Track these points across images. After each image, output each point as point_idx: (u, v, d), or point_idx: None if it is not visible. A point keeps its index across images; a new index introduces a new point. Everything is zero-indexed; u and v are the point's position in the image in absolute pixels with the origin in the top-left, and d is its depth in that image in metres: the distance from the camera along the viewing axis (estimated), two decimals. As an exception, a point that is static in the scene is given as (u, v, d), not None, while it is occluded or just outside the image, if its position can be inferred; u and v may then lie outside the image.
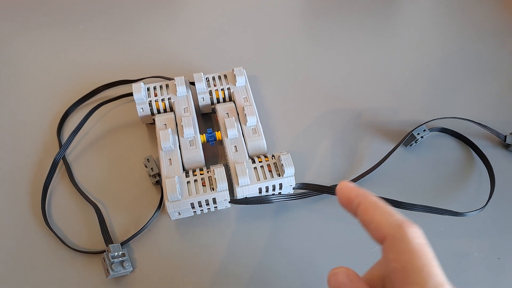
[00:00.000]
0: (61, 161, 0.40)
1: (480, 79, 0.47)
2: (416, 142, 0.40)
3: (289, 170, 0.34)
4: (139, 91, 0.38)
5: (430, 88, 0.46)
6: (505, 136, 0.41)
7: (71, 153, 0.40)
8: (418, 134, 0.40)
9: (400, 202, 0.35)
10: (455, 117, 0.42)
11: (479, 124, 0.41)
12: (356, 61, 0.49)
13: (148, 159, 0.38)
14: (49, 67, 0.48)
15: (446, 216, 0.36)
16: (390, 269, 0.19)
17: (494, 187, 0.37)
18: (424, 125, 0.40)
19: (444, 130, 0.42)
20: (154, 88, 0.40)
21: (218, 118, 0.39)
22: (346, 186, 0.21)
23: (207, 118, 0.43)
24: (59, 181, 0.39)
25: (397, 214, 0.20)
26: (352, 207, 0.21)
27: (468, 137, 0.41)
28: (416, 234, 0.19)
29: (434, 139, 0.42)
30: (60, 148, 0.40)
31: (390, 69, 0.48)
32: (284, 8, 0.55)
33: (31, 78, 0.47)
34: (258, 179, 0.34)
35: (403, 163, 0.40)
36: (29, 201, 0.37)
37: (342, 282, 0.21)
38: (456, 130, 0.41)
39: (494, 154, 0.40)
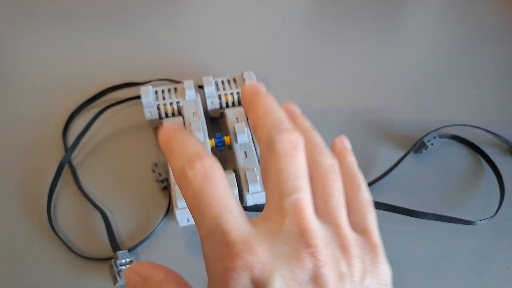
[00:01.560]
0: (67, 165, 0.39)
1: (491, 85, 0.47)
2: (425, 149, 0.40)
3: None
4: (147, 94, 0.38)
5: (440, 94, 0.46)
6: (514, 144, 0.41)
7: (77, 157, 0.40)
8: (428, 141, 0.39)
9: (412, 210, 0.35)
10: (465, 124, 0.42)
11: (489, 131, 0.41)
12: (366, 66, 0.48)
13: (156, 164, 0.38)
14: (54, 68, 0.47)
15: (456, 224, 0.36)
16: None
17: (503, 195, 0.37)
18: (434, 132, 0.40)
19: (453, 137, 0.42)
20: (162, 91, 0.40)
21: (228, 123, 0.38)
22: (162, 134, 0.19)
23: (214, 122, 0.43)
24: (65, 185, 0.38)
25: (189, 152, 0.17)
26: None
27: (478, 145, 0.41)
28: (197, 170, 0.16)
29: (443, 146, 0.42)
30: (65, 152, 0.39)
31: (399, 74, 0.48)
32: (292, 11, 0.55)
33: (36, 80, 0.46)
34: (269, 186, 0.34)
35: (413, 170, 0.40)
36: (34, 206, 0.37)
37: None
38: (465, 138, 0.41)
39: (503, 162, 0.40)
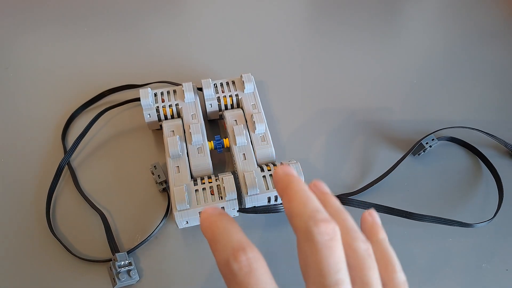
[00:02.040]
0: (66, 167, 0.39)
1: (490, 87, 0.47)
2: (424, 152, 0.40)
3: (299, 180, 0.34)
4: (146, 96, 0.38)
5: (438, 96, 0.46)
6: (513, 146, 0.41)
7: (76, 159, 0.40)
8: (427, 143, 0.40)
9: (410, 212, 0.35)
10: (464, 127, 0.42)
11: (488, 134, 0.41)
12: (364, 69, 0.49)
13: (155, 166, 0.38)
14: (54, 70, 0.47)
15: (455, 227, 0.36)
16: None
17: (502, 198, 0.37)
18: (432, 134, 0.40)
19: (452, 140, 0.42)
20: (162, 93, 0.40)
21: (226, 125, 0.39)
22: (204, 215, 0.21)
23: (213, 124, 0.43)
24: (64, 187, 0.38)
25: (232, 242, 0.19)
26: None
27: (477, 147, 0.41)
28: (242, 263, 0.18)
29: (442, 149, 0.42)
30: (65, 154, 0.39)
31: (398, 77, 0.48)
32: (291, 13, 0.55)
33: (35, 82, 0.46)
34: (267, 188, 0.34)
35: (411, 172, 0.40)
36: (33, 208, 0.37)
37: None
38: (464, 140, 0.41)
39: (502, 164, 0.40)
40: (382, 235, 0.24)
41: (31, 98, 0.44)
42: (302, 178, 0.34)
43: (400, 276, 0.22)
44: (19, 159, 0.40)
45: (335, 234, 0.19)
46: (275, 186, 0.22)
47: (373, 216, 0.25)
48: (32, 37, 0.50)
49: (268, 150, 0.36)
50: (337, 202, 0.23)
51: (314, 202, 0.20)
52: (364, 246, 0.20)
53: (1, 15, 0.53)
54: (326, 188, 0.24)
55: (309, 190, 0.21)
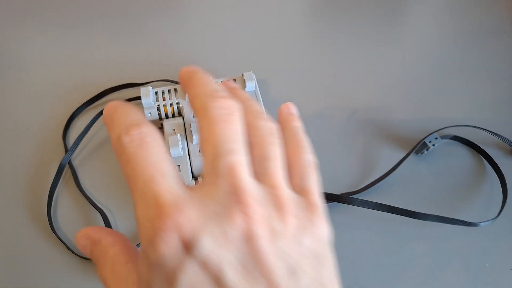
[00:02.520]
0: (67, 166, 0.39)
1: (494, 85, 0.47)
2: (427, 150, 0.40)
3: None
4: (147, 95, 0.38)
5: (442, 94, 0.46)
6: (517, 145, 0.40)
7: (77, 158, 0.40)
8: (430, 142, 0.39)
9: (413, 212, 0.34)
10: (467, 125, 0.41)
11: (492, 132, 0.41)
12: (367, 66, 0.48)
13: (156, 165, 0.37)
14: (54, 69, 0.47)
15: (458, 226, 0.36)
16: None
17: (506, 197, 0.37)
18: (436, 133, 0.40)
19: (456, 138, 0.41)
20: (162, 92, 0.40)
21: (228, 123, 0.38)
22: (107, 106, 0.19)
23: (215, 123, 0.43)
24: (65, 186, 0.38)
25: (127, 120, 0.17)
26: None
27: (480, 146, 0.40)
28: (134, 137, 0.16)
29: (445, 147, 0.41)
30: (66, 152, 0.39)
31: (401, 75, 0.48)
32: (292, 11, 0.54)
33: (36, 80, 0.46)
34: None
35: (414, 171, 0.40)
36: (34, 207, 0.37)
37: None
38: (468, 138, 0.41)
39: (506, 163, 0.40)
40: (296, 123, 0.23)
41: (33, 97, 0.44)
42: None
43: (308, 156, 0.20)
44: (20, 158, 0.40)
45: (233, 110, 0.18)
46: (181, 85, 0.21)
47: (289, 107, 0.24)
48: (33, 36, 0.50)
49: (269, 149, 0.36)
50: (246, 94, 0.22)
51: (215, 85, 0.19)
52: (267, 125, 0.19)
53: (3, 13, 0.52)
54: (236, 86, 0.23)
55: (212, 79, 0.20)
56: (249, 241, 0.14)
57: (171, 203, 0.14)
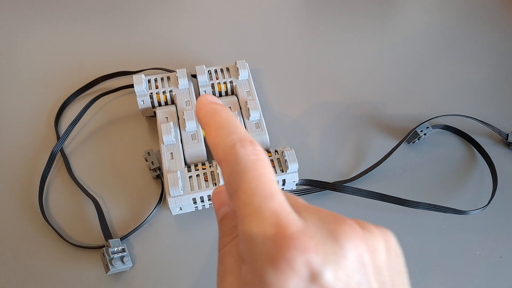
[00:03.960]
0: (59, 154, 0.39)
1: (483, 76, 0.47)
2: (418, 139, 0.40)
3: (293, 166, 0.34)
4: (140, 83, 0.38)
5: (433, 84, 0.46)
6: (507, 134, 0.41)
7: (69, 145, 0.40)
8: (421, 131, 0.39)
9: (404, 200, 0.35)
10: (458, 115, 0.41)
11: (482, 122, 0.41)
12: (359, 57, 0.48)
13: (148, 153, 0.37)
14: (47, 57, 0.46)
15: (449, 214, 0.36)
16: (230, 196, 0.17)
17: (496, 186, 0.37)
18: (427, 122, 0.40)
19: (446, 128, 0.42)
20: (155, 80, 0.39)
21: (221, 112, 0.38)
22: (200, 102, 0.18)
23: (208, 112, 0.43)
24: (57, 174, 0.38)
25: (237, 133, 0.17)
26: (202, 126, 0.19)
27: (471, 135, 0.41)
28: (249, 151, 0.16)
29: (436, 137, 0.42)
30: (58, 140, 0.39)
31: (393, 65, 0.48)
32: (287, 3, 0.54)
33: (28, 68, 0.45)
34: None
35: (406, 160, 0.40)
36: (26, 195, 0.36)
37: (224, 201, 0.20)
38: (458, 128, 0.41)
39: (496, 152, 0.40)
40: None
41: (24, 85, 0.44)
42: (296, 166, 0.34)
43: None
44: (12, 146, 0.39)
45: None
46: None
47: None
48: (25, 24, 0.50)
49: (262, 137, 0.36)
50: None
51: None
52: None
53: (-7, 1, 0.52)
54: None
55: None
56: (361, 270, 0.15)
57: (299, 229, 0.15)
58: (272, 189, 0.16)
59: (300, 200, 0.17)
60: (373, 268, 0.16)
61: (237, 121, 0.18)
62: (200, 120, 0.18)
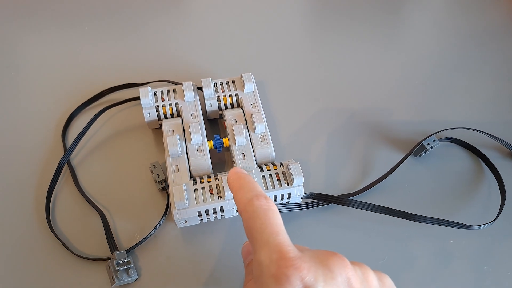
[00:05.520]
0: (66, 165, 0.39)
1: (491, 88, 0.47)
2: (425, 152, 0.40)
3: (298, 180, 0.34)
4: (146, 95, 0.38)
5: (440, 97, 0.46)
6: (516, 148, 0.40)
7: (76, 157, 0.40)
8: (428, 144, 0.39)
9: (411, 214, 0.34)
10: (465, 128, 0.41)
11: (489, 135, 0.41)
12: (365, 69, 0.48)
13: (154, 165, 0.37)
14: (54, 69, 0.47)
15: (456, 229, 0.36)
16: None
17: (504, 200, 0.37)
18: (434, 135, 0.40)
19: (454, 141, 0.41)
20: (161, 92, 0.40)
21: (226, 124, 0.38)
22: (230, 172, 0.26)
23: (213, 124, 0.43)
24: (64, 185, 0.38)
25: (255, 191, 0.23)
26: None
27: (478, 148, 0.40)
28: (262, 203, 0.22)
29: (443, 150, 0.41)
30: (64, 152, 0.39)
31: (399, 77, 0.48)
32: (292, 13, 0.54)
33: (36, 80, 0.46)
34: (267, 188, 0.34)
35: (412, 173, 0.40)
36: (33, 206, 0.37)
37: (250, 251, 0.26)
38: (466, 141, 0.41)
39: (504, 165, 0.40)
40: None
41: (32, 97, 0.44)
42: (302, 179, 0.34)
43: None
44: (20, 157, 0.40)
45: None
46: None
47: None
48: (33, 36, 0.50)
49: (267, 150, 0.36)
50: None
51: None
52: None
53: (3, 14, 0.53)
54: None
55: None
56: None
57: (296, 255, 0.20)
58: (278, 229, 0.21)
59: (303, 247, 0.23)
60: None
61: (256, 183, 0.24)
62: (229, 185, 0.25)
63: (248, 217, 0.22)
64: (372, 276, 0.21)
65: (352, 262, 0.21)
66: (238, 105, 0.40)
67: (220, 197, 0.33)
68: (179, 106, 0.39)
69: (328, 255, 0.20)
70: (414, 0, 0.57)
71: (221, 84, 0.41)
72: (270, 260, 0.20)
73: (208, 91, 0.40)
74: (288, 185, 0.34)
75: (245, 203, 0.23)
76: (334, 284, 0.19)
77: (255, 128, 0.37)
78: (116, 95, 0.45)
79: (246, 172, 0.26)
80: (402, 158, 0.39)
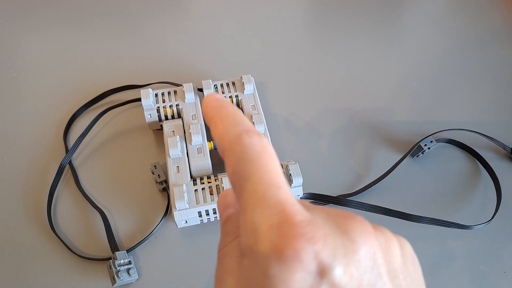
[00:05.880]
0: (67, 166, 0.39)
1: (488, 90, 0.47)
2: (423, 153, 0.40)
3: (297, 180, 0.34)
4: (147, 97, 0.38)
5: (437, 98, 0.46)
6: (511, 149, 0.41)
7: (78, 158, 0.40)
8: (425, 145, 0.40)
9: (408, 214, 0.35)
10: (462, 129, 0.42)
11: (486, 136, 0.41)
12: (364, 71, 0.49)
13: (155, 166, 0.38)
14: (56, 70, 0.47)
15: (453, 229, 0.36)
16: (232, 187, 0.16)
17: (500, 200, 0.37)
18: (431, 136, 0.40)
19: (450, 142, 0.42)
20: (162, 94, 0.40)
21: (226, 125, 0.39)
22: (207, 99, 0.18)
23: (213, 125, 0.43)
24: (65, 186, 0.38)
25: (244, 124, 0.16)
26: (207, 123, 0.18)
27: (475, 149, 0.41)
28: (255, 141, 0.15)
29: (440, 151, 0.42)
30: (66, 153, 0.40)
31: (397, 78, 0.48)
32: (291, 15, 0.55)
33: (38, 81, 0.46)
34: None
35: (410, 174, 0.40)
36: (35, 206, 0.37)
37: (229, 203, 0.19)
38: (462, 142, 0.41)
39: (500, 166, 0.40)
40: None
41: (34, 98, 0.45)
42: (301, 180, 0.34)
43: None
44: (22, 158, 0.40)
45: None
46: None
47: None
48: (35, 38, 0.51)
49: (267, 151, 0.37)
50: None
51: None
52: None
53: (6, 16, 0.53)
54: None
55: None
56: (374, 270, 0.14)
57: (306, 218, 0.13)
58: (279, 179, 0.15)
59: (307, 202, 0.16)
60: (387, 269, 0.15)
61: (243, 115, 0.17)
62: (206, 116, 0.18)
63: (235, 159, 0.15)
64: (395, 246, 0.16)
65: (373, 226, 0.15)
66: (238, 107, 0.41)
67: (220, 198, 0.33)
68: (180, 107, 0.39)
69: (346, 219, 0.15)
70: (414, 3, 0.57)
71: (221, 85, 0.41)
72: (269, 225, 0.13)
73: (209, 93, 0.40)
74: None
75: (230, 140, 0.16)
76: (357, 260, 0.14)
77: (254, 129, 0.37)
78: (118, 96, 0.45)
79: (227, 100, 0.18)
80: (400, 159, 0.39)
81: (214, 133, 0.17)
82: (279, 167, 0.15)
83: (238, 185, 0.15)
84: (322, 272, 0.13)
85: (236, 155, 0.15)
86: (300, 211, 0.14)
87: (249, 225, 0.14)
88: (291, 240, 0.13)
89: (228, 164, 0.16)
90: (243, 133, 0.16)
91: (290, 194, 0.14)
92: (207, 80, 0.41)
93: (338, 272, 0.13)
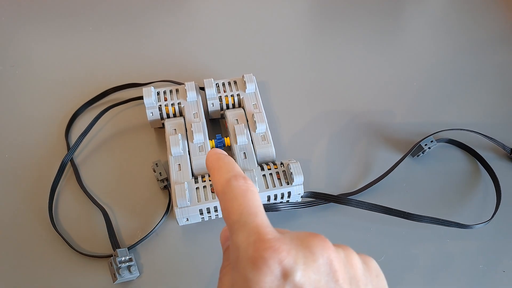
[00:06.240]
0: (69, 164, 0.39)
1: (488, 91, 0.47)
2: (423, 153, 0.40)
3: (298, 179, 0.34)
4: (149, 95, 0.39)
5: (437, 98, 0.47)
6: (511, 149, 0.41)
7: (79, 156, 0.40)
8: (426, 145, 0.40)
9: (408, 213, 0.35)
10: (462, 129, 0.42)
11: (486, 136, 0.41)
12: (365, 70, 0.49)
13: (156, 164, 0.38)
14: (58, 68, 0.48)
15: (453, 228, 0.36)
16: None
17: (500, 200, 0.37)
18: (431, 136, 0.41)
19: (451, 142, 0.42)
20: (164, 92, 0.40)
21: (228, 124, 0.39)
22: (209, 154, 0.24)
23: (214, 123, 0.44)
24: (67, 183, 0.39)
25: (233, 171, 0.21)
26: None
27: (475, 149, 0.41)
28: (240, 183, 0.21)
29: (441, 150, 0.42)
30: (68, 150, 0.40)
31: (398, 78, 0.48)
32: (293, 14, 0.55)
33: (40, 79, 0.47)
34: (267, 187, 0.34)
35: (410, 173, 0.40)
36: (36, 203, 0.37)
37: (228, 236, 0.23)
38: (463, 142, 0.42)
39: (500, 166, 0.40)
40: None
41: (36, 96, 0.45)
42: (302, 178, 0.34)
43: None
44: (23, 155, 0.40)
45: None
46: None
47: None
48: (38, 36, 0.51)
49: (268, 150, 0.37)
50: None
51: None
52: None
53: (8, 14, 0.53)
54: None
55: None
56: (331, 275, 0.18)
57: (275, 237, 0.18)
58: (257, 209, 0.20)
59: (284, 229, 0.21)
60: (345, 276, 0.18)
61: (235, 164, 0.22)
62: (207, 166, 0.23)
63: (225, 198, 0.20)
64: (356, 259, 0.20)
65: (335, 245, 0.20)
66: (240, 105, 0.41)
67: (222, 195, 0.34)
68: (182, 105, 0.39)
69: (309, 237, 0.19)
70: (414, 4, 0.58)
71: (223, 84, 0.42)
72: (247, 243, 0.18)
73: (210, 91, 0.40)
74: (288, 184, 0.35)
75: (222, 184, 0.21)
76: (315, 266, 0.17)
77: (256, 128, 0.37)
78: (120, 94, 0.45)
79: (225, 153, 0.24)
80: (400, 159, 0.39)
81: (212, 180, 0.22)
82: (259, 200, 0.20)
83: (227, 218, 0.20)
84: (285, 275, 0.17)
85: (226, 195, 0.21)
86: (271, 232, 0.18)
87: (234, 244, 0.19)
88: (262, 252, 0.17)
89: (220, 203, 0.21)
90: (232, 178, 0.21)
91: (266, 220, 0.19)
92: (209, 79, 0.41)
93: (298, 275, 0.17)
